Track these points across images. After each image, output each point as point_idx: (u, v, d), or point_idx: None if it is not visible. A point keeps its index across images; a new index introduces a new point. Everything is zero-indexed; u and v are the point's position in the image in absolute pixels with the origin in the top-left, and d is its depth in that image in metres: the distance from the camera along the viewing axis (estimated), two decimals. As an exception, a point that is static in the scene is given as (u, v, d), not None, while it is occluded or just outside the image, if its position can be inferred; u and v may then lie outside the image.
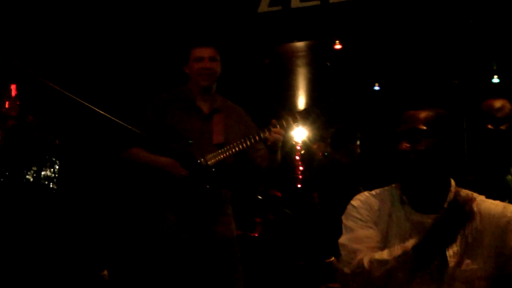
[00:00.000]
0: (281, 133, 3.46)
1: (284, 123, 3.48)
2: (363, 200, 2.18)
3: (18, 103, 6.44)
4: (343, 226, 2.17)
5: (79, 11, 5.43)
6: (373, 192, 2.22)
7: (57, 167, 6.45)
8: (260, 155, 3.67)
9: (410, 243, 1.92)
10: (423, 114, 2.07)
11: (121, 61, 5.73)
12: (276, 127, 3.45)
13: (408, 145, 2.04)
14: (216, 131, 3.63)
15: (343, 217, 2.19)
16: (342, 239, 2.13)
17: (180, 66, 3.78)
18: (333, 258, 4.76)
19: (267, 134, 3.44)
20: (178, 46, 4.34)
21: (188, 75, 3.76)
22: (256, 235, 6.41)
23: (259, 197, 5.17)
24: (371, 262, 1.95)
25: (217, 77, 3.71)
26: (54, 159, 6.48)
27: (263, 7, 5.11)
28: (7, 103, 6.61)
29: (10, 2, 5.16)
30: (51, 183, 6.47)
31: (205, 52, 3.68)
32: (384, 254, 1.96)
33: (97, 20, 5.48)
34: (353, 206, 2.18)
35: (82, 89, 1.64)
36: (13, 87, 6.56)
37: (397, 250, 1.93)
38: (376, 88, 8.45)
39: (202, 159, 3.45)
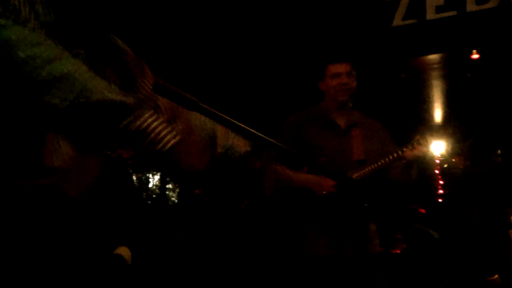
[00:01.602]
0: (424, 150, 3.41)
1: (427, 140, 3.44)
2: None
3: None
4: None
5: (217, 32, 5.61)
6: None
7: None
8: (397, 171, 3.62)
9: None
10: None
11: (257, 80, 5.85)
12: (420, 143, 3.42)
13: None
14: (356, 147, 3.60)
15: None
16: None
17: (315, 82, 3.81)
18: (496, 276, 4.58)
19: (410, 150, 3.41)
20: (313, 63, 4.38)
21: (323, 92, 3.77)
22: (398, 251, 6.29)
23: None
24: None
25: (354, 92, 3.71)
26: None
27: (397, 21, 5.06)
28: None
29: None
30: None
31: (342, 67, 3.66)
32: None
33: (232, 39, 5.63)
34: None
35: (217, 108, 1.71)
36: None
37: None
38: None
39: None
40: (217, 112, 1.71)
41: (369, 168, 3.48)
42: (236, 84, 5.86)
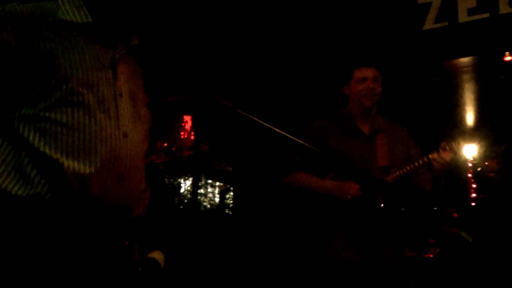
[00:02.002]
0: (451, 157, 3.38)
1: (454, 146, 3.40)
2: None
3: (193, 133, 6.80)
4: None
5: (246, 41, 5.63)
6: None
7: (231, 193, 6.76)
8: (423, 178, 3.59)
9: None
10: None
11: (282, 84, 5.85)
12: (445, 150, 3.38)
13: None
14: (380, 153, 3.59)
15: None
16: None
17: (339, 87, 3.80)
18: None
19: (435, 156, 3.38)
20: (340, 67, 4.36)
21: (348, 96, 3.76)
22: (431, 256, 6.24)
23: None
24: None
25: (379, 97, 3.69)
26: (228, 186, 6.79)
27: (429, 24, 5.03)
28: (182, 134, 7.01)
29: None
30: (226, 209, 6.79)
31: (368, 72, 3.66)
32: None
33: (257, 41, 5.65)
34: None
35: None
36: (187, 118, 6.95)
37: None
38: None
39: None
40: (251, 117, 1.74)
41: (394, 175, 3.47)
42: (260, 88, 5.87)
